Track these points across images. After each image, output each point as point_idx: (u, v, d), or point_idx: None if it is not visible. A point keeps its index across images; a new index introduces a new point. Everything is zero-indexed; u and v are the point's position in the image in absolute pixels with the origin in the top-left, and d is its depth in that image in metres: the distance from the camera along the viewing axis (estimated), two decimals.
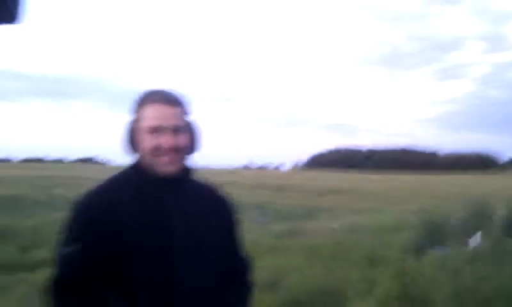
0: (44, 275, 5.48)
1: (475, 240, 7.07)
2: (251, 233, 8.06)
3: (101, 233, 1.31)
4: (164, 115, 1.39)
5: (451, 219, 8.61)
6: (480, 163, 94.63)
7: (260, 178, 34.44)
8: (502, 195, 16.84)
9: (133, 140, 1.43)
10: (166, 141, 1.37)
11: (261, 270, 5.59)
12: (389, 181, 32.64)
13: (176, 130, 1.40)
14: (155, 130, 1.38)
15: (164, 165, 1.38)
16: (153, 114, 1.38)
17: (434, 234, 7.36)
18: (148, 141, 1.38)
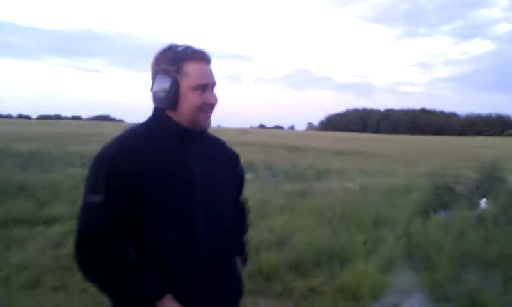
0: (60, 229, 5.72)
1: (486, 203, 7.07)
2: (262, 193, 8.19)
3: (125, 181, 1.38)
4: (208, 73, 1.49)
5: (462, 182, 8.58)
6: (499, 124, 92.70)
7: (274, 138, 34.46)
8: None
9: (173, 95, 1.45)
10: (211, 97, 1.49)
11: (269, 230, 5.74)
12: (404, 143, 32.38)
13: (214, 88, 1.52)
14: (202, 87, 1.46)
15: (204, 121, 1.50)
16: (200, 72, 1.46)
17: (443, 197, 7.37)
18: (195, 98, 1.46)
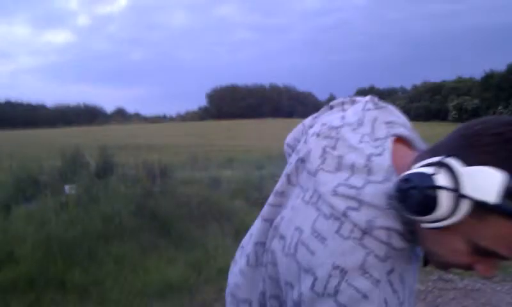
0: None
1: (69, 188, 7.46)
2: None
3: None
4: None
5: (47, 172, 8.69)
6: (88, 114, 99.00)
7: None
8: (100, 143, 18.21)
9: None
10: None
11: None
12: None
13: None
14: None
15: None
16: None
17: (27, 189, 7.30)
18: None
